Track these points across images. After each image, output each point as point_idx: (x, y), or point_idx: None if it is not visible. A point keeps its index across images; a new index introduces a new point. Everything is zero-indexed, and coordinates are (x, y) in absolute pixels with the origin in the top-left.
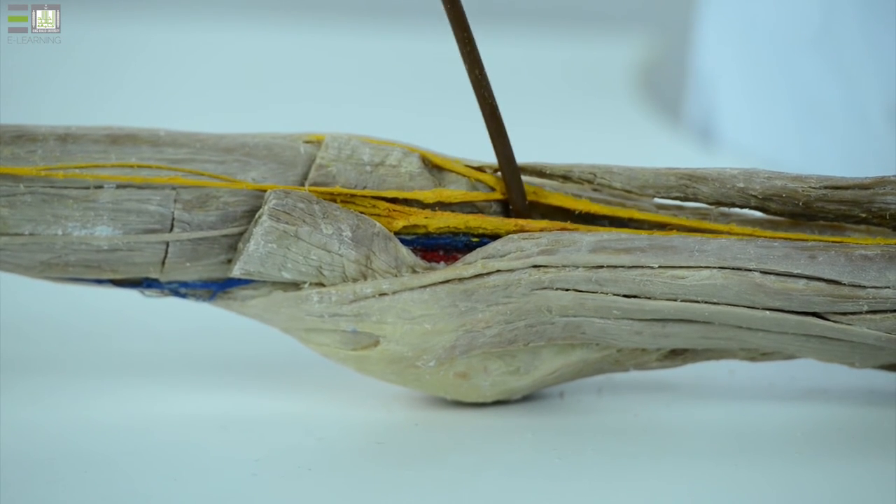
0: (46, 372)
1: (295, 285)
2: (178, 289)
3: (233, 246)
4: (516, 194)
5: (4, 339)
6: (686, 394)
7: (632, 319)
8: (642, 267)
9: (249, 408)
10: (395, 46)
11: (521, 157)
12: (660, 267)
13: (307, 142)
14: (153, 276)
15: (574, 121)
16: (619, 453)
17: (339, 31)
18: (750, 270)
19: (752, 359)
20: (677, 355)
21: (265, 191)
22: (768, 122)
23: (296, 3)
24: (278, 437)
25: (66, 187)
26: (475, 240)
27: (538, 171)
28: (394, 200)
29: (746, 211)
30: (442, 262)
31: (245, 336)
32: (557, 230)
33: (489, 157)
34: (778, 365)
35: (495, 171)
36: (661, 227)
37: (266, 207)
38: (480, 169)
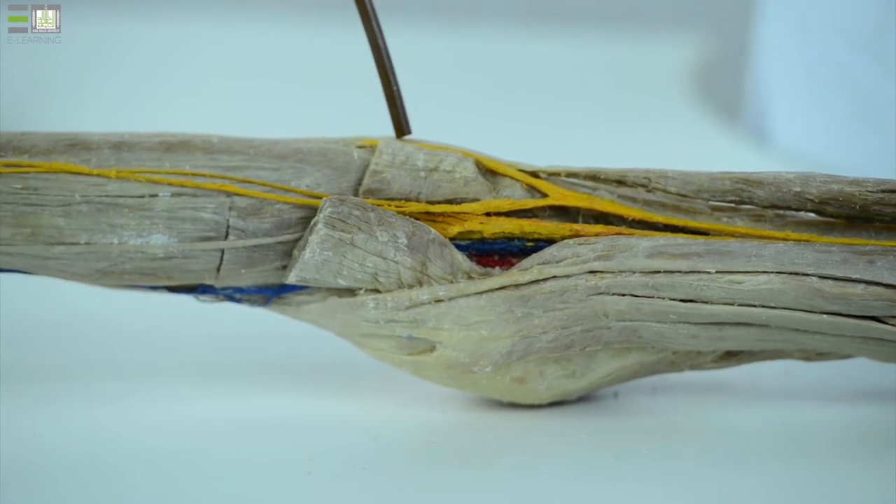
0: (108, 374)
1: (350, 291)
2: (233, 294)
3: (288, 252)
4: (400, 120)
5: (74, 342)
6: (741, 394)
7: (688, 323)
8: (699, 272)
9: (304, 408)
10: (431, 46)
11: (577, 157)
12: (717, 272)
13: (360, 147)
14: (208, 282)
15: (630, 122)
16: (673, 454)
17: (349, 29)
18: (808, 275)
19: (808, 359)
20: (732, 356)
21: (320, 198)
22: (824, 123)
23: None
24: (333, 436)
25: (121, 196)
26: (530, 244)
27: (592, 176)
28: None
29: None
30: (497, 267)
31: (300, 339)
32: (613, 235)
33: (541, 159)
34: (833, 365)
35: (550, 175)
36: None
37: (321, 215)
38: (534, 174)
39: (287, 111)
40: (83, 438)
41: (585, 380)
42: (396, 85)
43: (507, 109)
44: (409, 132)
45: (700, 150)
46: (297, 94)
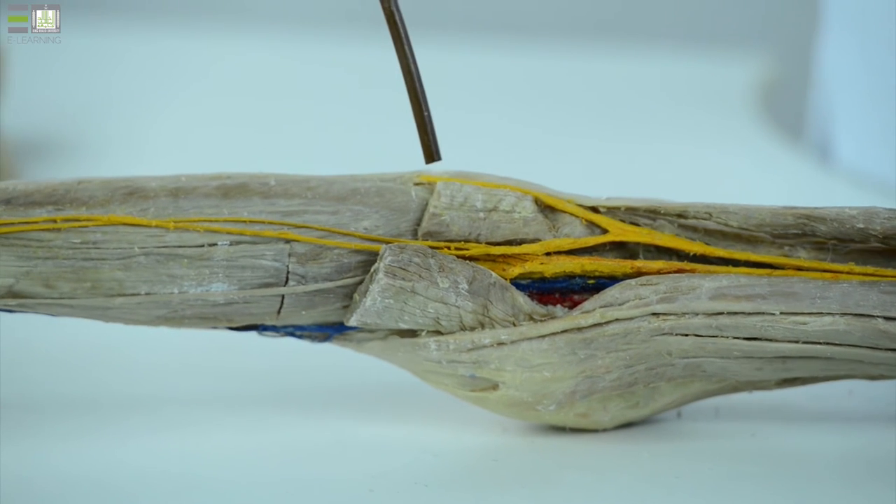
0: (165, 404)
1: (412, 331)
2: (294, 332)
3: (348, 294)
4: (429, 145)
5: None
6: (804, 415)
7: (752, 358)
8: (763, 314)
9: (366, 428)
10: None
11: (640, 174)
12: (781, 314)
13: (417, 184)
14: (268, 322)
15: (694, 140)
16: (736, 475)
17: (348, 44)
18: (873, 317)
19: (871, 378)
20: (796, 379)
21: (379, 241)
22: (889, 142)
23: (311, 14)
24: (395, 454)
25: (180, 246)
26: (591, 282)
27: (653, 211)
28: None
29: None
30: (558, 305)
31: (360, 361)
32: (675, 272)
33: (605, 176)
34: None
35: (609, 210)
36: (780, 267)
37: (382, 264)
38: (594, 209)
39: (292, 129)
40: (139, 465)
41: (648, 408)
42: (427, 110)
43: (570, 126)
44: (438, 158)
45: (763, 169)
46: (303, 113)
